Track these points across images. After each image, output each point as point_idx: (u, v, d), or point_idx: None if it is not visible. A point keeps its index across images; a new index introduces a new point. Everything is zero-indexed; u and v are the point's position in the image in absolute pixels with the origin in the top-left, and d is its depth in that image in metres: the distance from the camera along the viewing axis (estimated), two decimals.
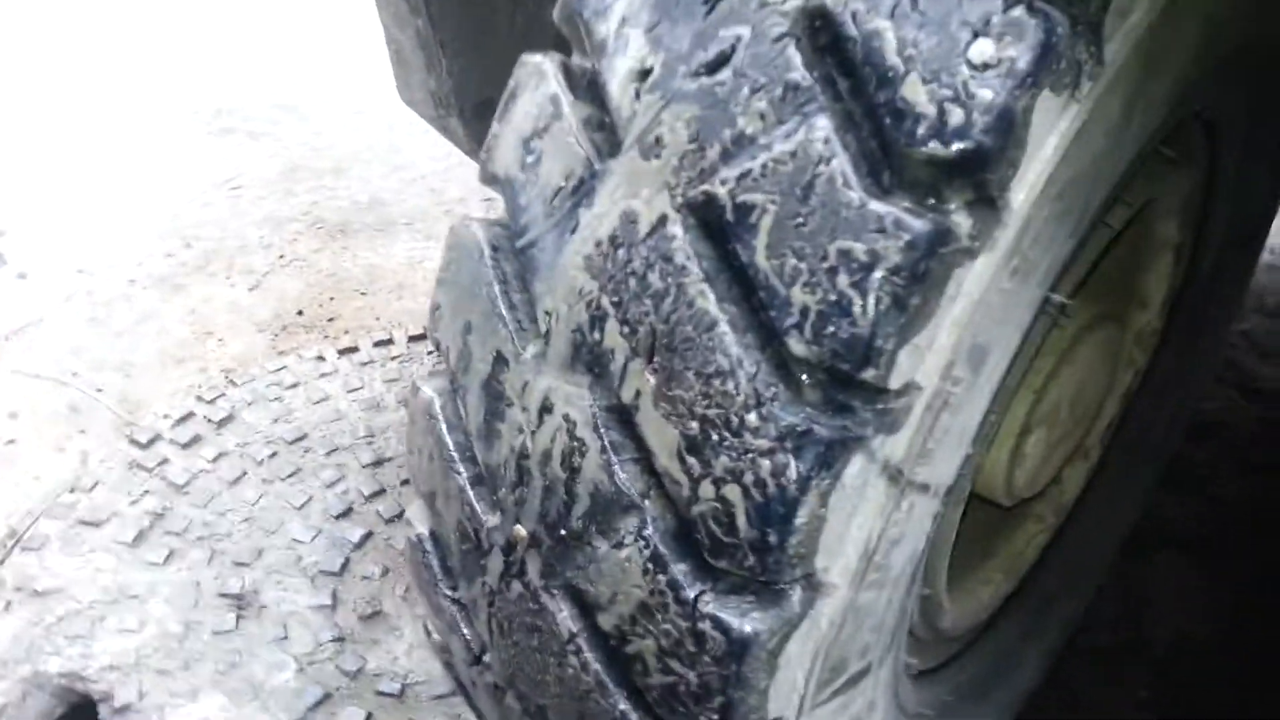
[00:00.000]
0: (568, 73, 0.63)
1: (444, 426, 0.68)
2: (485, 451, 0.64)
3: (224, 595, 1.37)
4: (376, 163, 2.48)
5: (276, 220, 2.24)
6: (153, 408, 1.74)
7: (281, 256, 2.13)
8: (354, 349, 1.82)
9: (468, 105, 1.60)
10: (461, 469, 0.66)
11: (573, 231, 0.59)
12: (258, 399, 1.70)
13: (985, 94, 0.49)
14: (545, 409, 0.59)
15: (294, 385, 1.73)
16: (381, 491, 1.54)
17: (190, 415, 1.65)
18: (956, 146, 0.49)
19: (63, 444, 1.68)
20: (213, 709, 1.24)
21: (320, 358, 1.79)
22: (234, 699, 1.25)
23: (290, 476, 1.56)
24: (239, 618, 1.35)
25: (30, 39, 3.00)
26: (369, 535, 1.47)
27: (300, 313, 1.97)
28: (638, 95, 0.58)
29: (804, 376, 0.52)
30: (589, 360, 0.57)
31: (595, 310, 0.57)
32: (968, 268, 0.53)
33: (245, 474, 1.55)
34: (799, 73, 0.53)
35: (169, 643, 1.31)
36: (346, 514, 1.50)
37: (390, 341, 1.84)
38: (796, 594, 0.56)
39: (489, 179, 0.67)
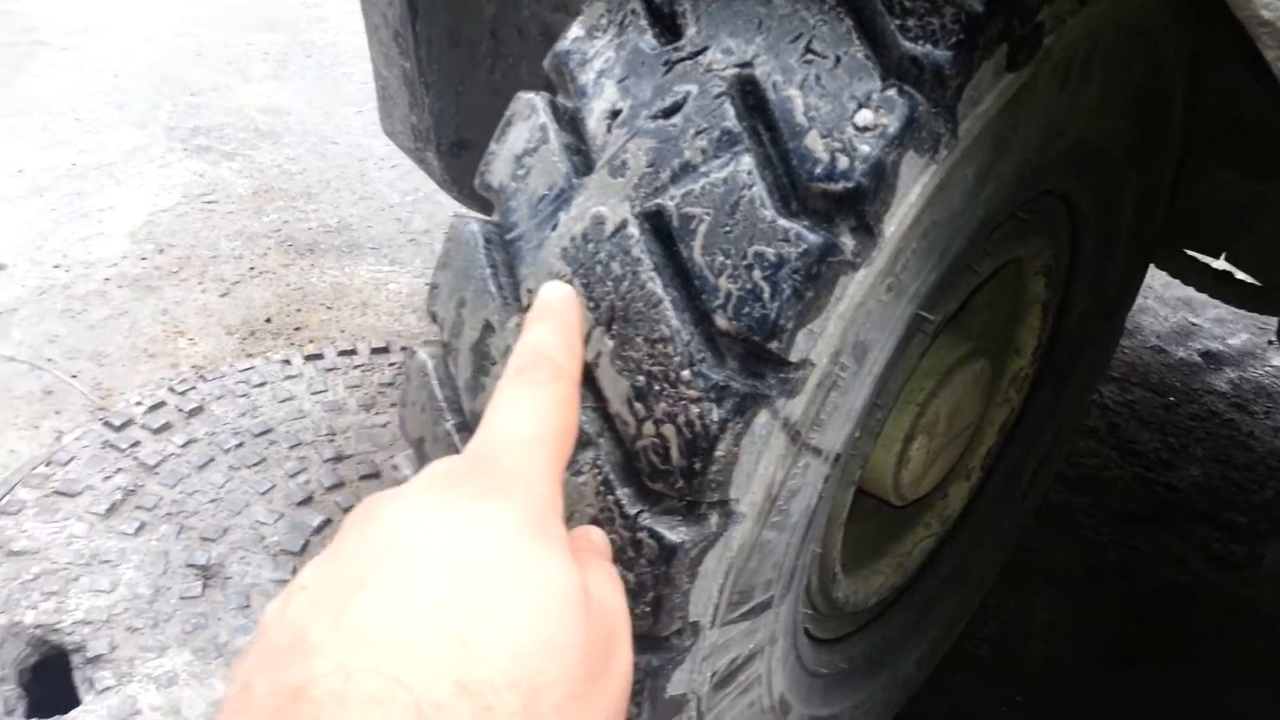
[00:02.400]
0: (554, 108, 0.81)
1: (435, 382, 0.83)
2: (471, 401, 0.80)
3: (191, 565, 1.49)
4: (345, 191, 2.63)
5: (248, 235, 2.38)
6: (125, 395, 1.85)
7: (252, 268, 2.26)
8: (319, 356, 1.95)
9: (445, 142, 1.77)
10: (449, 417, 0.82)
11: (553, 229, 0.76)
12: (226, 394, 1.82)
13: (864, 148, 0.68)
14: None
15: (261, 384, 1.86)
16: (340, 484, 1.67)
17: (162, 404, 1.77)
18: (842, 184, 0.68)
19: (37, 422, 1.79)
20: (179, 663, 1.35)
21: (286, 361, 1.93)
22: (199, 656, 1.36)
23: (255, 465, 1.68)
24: (205, 586, 1.46)
25: (20, 50, 3.11)
26: (328, 521, 1.60)
27: (268, 320, 2.10)
28: (609, 129, 0.76)
29: (726, 346, 0.69)
30: None
31: None
32: (851, 276, 0.72)
33: (213, 460, 1.68)
34: (731, 122, 0.71)
35: (139, 604, 1.42)
36: (307, 502, 1.63)
37: (354, 352, 1.98)
38: (714, 517, 0.72)
39: (484, 187, 0.84)
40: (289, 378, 1.89)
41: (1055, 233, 1.18)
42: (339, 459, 1.72)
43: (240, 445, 1.71)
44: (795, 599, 0.97)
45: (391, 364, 1.96)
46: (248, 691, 0.43)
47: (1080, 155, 1.02)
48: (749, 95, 0.72)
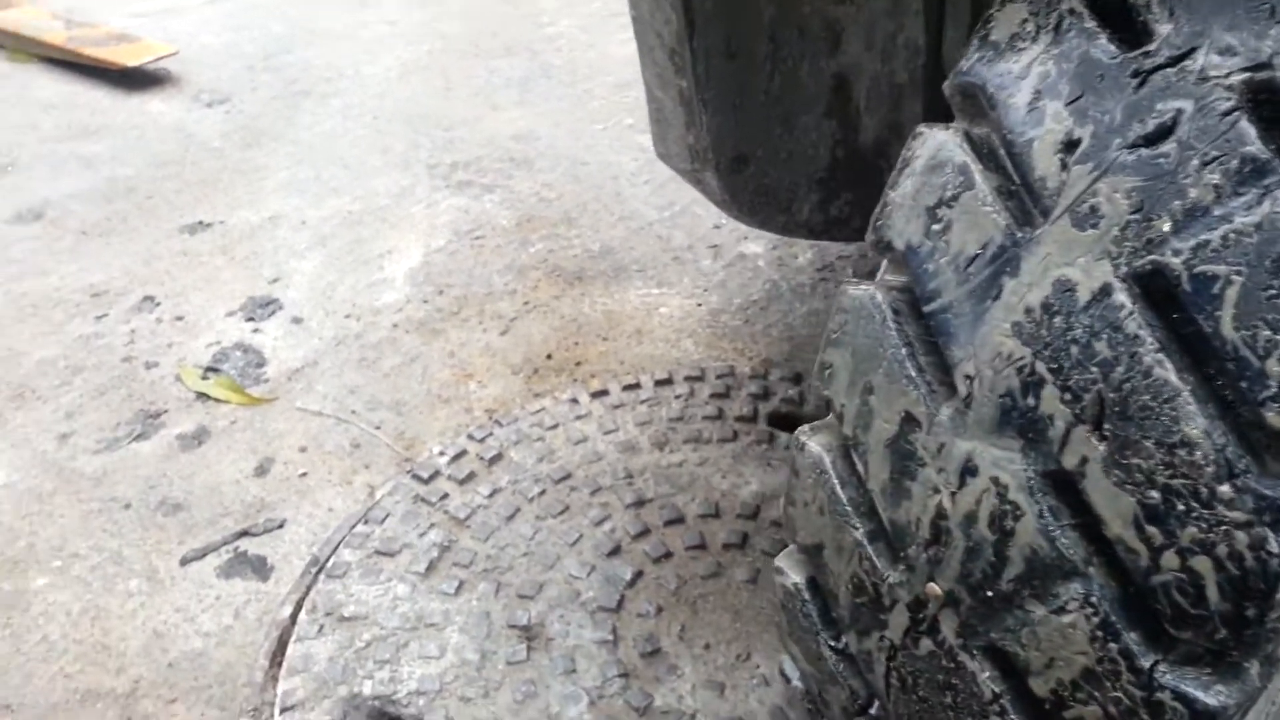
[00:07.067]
0: (972, 143, 0.66)
1: (836, 482, 0.71)
2: (892, 509, 0.66)
3: (513, 626, 1.45)
4: (604, 212, 2.58)
5: (517, 268, 2.37)
6: (426, 444, 1.86)
7: (526, 303, 2.25)
8: (604, 392, 1.90)
9: (723, 160, 1.66)
10: (858, 524, 0.69)
11: (995, 298, 0.61)
12: (522, 439, 1.79)
13: None
14: (968, 471, 0.61)
15: (553, 426, 1.82)
16: (646, 532, 1.60)
17: (464, 453, 1.76)
18: None
19: (350, 478, 1.82)
20: None
21: (574, 400, 1.88)
22: None
23: (560, 514, 1.64)
24: (529, 649, 1.42)
25: (288, 103, 3.30)
26: (640, 574, 1.53)
27: (549, 356, 2.07)
28: (1064, 166, 0.60)
29: (1277, 447, 0.52)
30: (1021, 425, 0.59)
31: (1029, 376, 0.59)
32: None
33: (519, 510, 1.65)
34: (1255, 146, 0.54)
35: (468, 670, 1.40)
36: (616, 552, 1.57)
37: (638, 385, 1.91)
38: (1254, 669, 0.55)
39: (882, 246, 0.70)
40: (579, 418, 1.84)
41: None
42: (640, 503, 1.65)
43: (543, 493, 1.67)
44: None
45: (677, 396, 1.88)
46: None
47: None
48: (1268, 105, 0.55)
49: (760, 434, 1.76)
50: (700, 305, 2.20)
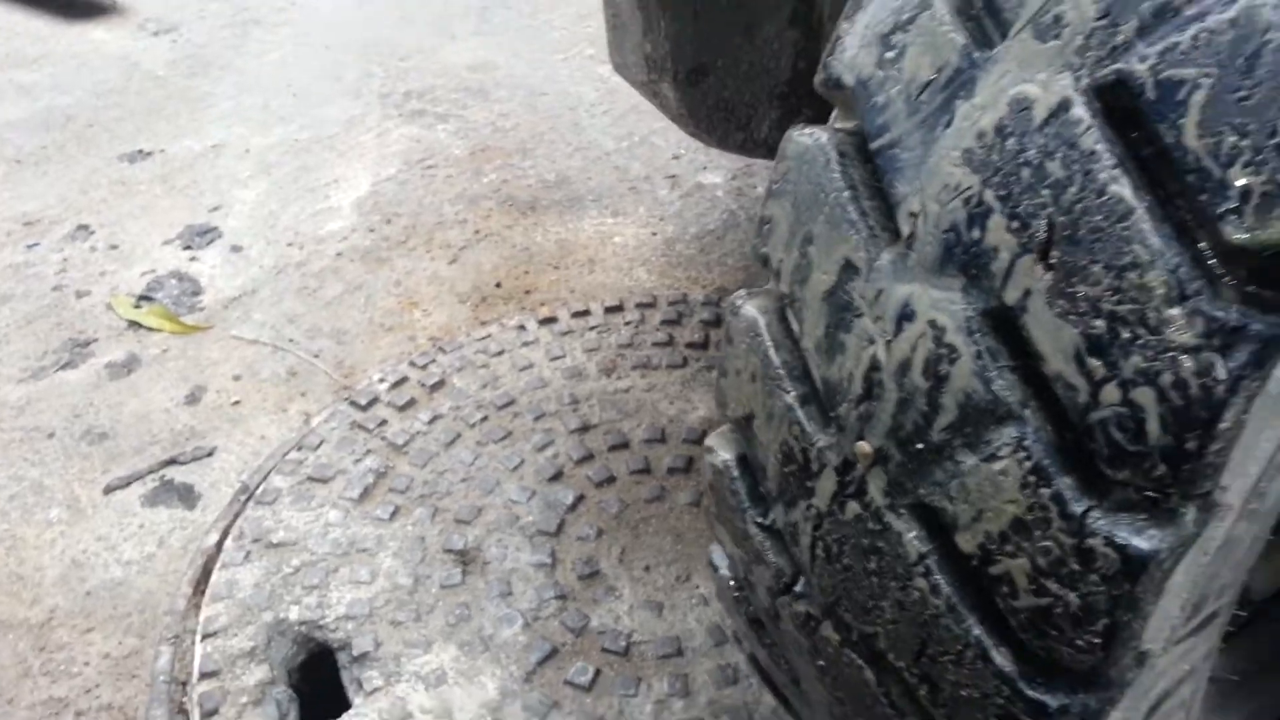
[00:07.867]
0: None
1: (770, 345, 0.65)
2: (825, 366, 0.61)
3: (448, 551, 1.39)
4: (560, 143, 2.50)
5: (469, 198, 2.29)
6: (367, 372, 1.79)
7: (477, 232, 2.17)
8: (553, 319, 1.83)
9: (681, 70, 1.59)
10: (790, 387, 0.63)
11: (946, 126, 0.55)
12: (466, 365, 1.73)
13: None
14: (905, 316, 0.56)
15: (499, 353, 1.75)
16: (590, 457, 1.54)
17: (404, 379, 1.69)
18: None
19: (285, 405, 1.75)
20: (446, 659, 1.25)
21: (522, 327, 1.81)
22: (466, 651, 1.26)
23: (502, 440, 1.57)
24: (464, 573, 1.36)
25: (237, 31, 3.17)
26: (581, 498, 1.47)
27: (498, 285, 2.00)
28: None
29: (1234, 269, 0.47)
30: (964, 262, 0.53)
31: (976, 207, 0.53)
32: None
33: (459, 436, 1.58)
34: None
35: (400, 595, 1.34)
36: (558, 477, 1.51)
37: (587, 313, 1.84)
38: (1190, 514, 0.50)
39: (831, 84, 0.64)
40: (526, 344, 1.77)
41: None
42: (584, 429, 1.59)
43: (485, 419, 1.61)
44: (1231, 604, 0.74)
45: (627, 323, 1.82)
46: None
47: None
48: None
49: (711, 360, 1.71)
50: (655, 235, 2.13)
